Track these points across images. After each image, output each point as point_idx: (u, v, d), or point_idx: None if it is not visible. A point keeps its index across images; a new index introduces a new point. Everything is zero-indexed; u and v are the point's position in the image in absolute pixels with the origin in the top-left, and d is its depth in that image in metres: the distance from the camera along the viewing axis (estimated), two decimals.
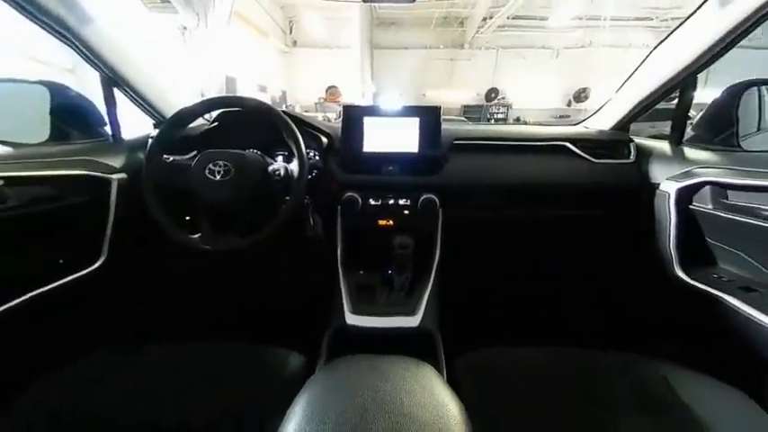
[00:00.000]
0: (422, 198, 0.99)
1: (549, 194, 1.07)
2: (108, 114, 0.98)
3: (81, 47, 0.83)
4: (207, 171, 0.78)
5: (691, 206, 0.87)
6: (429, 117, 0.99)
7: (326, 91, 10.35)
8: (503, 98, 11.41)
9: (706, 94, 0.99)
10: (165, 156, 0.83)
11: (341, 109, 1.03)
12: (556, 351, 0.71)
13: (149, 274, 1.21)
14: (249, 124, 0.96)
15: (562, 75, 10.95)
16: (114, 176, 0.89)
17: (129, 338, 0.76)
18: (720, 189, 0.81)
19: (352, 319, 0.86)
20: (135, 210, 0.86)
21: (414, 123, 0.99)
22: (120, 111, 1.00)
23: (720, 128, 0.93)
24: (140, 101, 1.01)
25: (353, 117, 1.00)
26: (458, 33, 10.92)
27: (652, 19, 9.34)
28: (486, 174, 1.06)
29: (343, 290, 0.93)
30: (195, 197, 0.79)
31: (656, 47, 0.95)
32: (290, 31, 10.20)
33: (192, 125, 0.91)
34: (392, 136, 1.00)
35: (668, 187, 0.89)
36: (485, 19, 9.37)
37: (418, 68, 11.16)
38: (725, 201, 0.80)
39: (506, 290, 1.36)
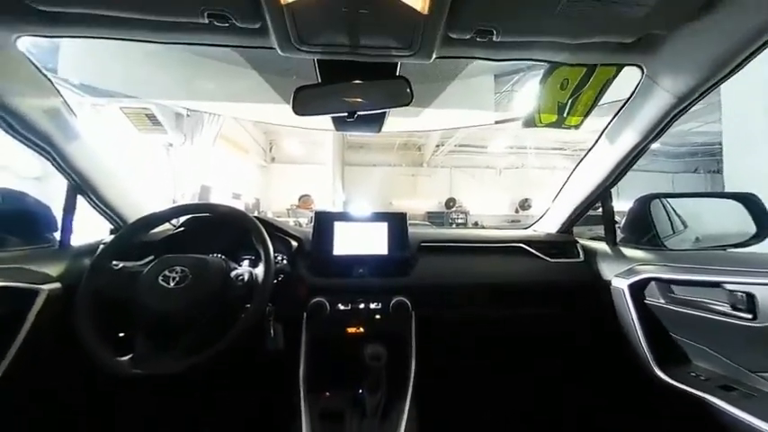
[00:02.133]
0: (393, 300, 0.96)
1: (513, 292, 1.11)
2: (63, 220, 0.93)
3: (58, 159, 0.85)
4: (160, 278, 0.72)
5: (645, 301, 0.92)
6: (396, 222, 1.06)
7: (299, 199, 11.00)
8: (460, 206, 12.79)
9: (622, 204, 1.19)
10: (114, 262, 0.77)
11: (312, 215, 1.08)
12: None
13: (55, 401, 0.94)
14: (217, 229, 0.95)
15: (506, 188, 12.83)
16: (44, 287, 0.78)
17: None
18: (665, 284, 0.89)
19: None
20: (63, 326, 0.73)
21: (382, 227, 1.05)
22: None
23: (643, 231, 1.09)
24: (103, 207, 0.99)
25: (325, 222, 1.04)
26: (417, 155, 12.91)
27: (565, 149, 11.87)
28: (453, 273, 1.08)
29: (303, 420, 0.77)
30: (138, 309, 0.70)
31: (573, 169, 1.18)
32: (270, 150, 11.43)
33: (155, 230, 0.89)
34: (362, 239, 1.04)
35: (620, 284, 0.96)
36: (438, 145, 11.34)
37: (385, 181, 12.54)
38: (672, 295, 0.87)
39: (487, 399, 1.22)
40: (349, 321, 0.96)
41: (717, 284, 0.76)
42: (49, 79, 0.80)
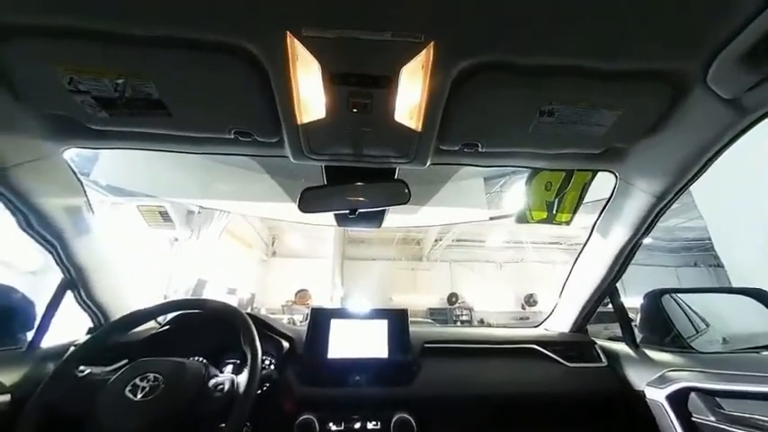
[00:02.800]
0: (395, 419, 0.82)
1: (531, 405, 0.95)
2: (42, 318, 0.88)
3: (62, 253, 0.85)
4: (128, 388, 0.63)
5: (693, 418, 0.78)
6: (397, 319, 1.00)
7: (296, 294, 10.62)
8: (463, 302, 12.24)
9: (632, 300, 1.14)
10: (81, 368, 0.69)
11: (308, 311, 1.03)
12: None
13: None
14: (204, 327, 0.89)
15: (508, 282, 12.55)
16: None
17: None
18: (708, 396, 0.77)
19: None
20: None
21: (382, 325, 0.98)
22: None
23: (662, 330, 1.01)
24: (89, 303, 0.94)
25: (321, 319, 0.98)
26: (416, 249, 13.10)
27: (561, 243, 12.13)
28: (461, 382, 0.96)
29: None
30: (92, 428, 0.59)
31: (573, 265, 1.17)
32: (272, 244, 11.67)
33: (138, 329, 0.82)
34: (360, 339, 0.95)
35: (656, 395, 0.83)
36: (436, 240, 11.64)
37: (384, 276, 12.37)
38: (722, 411, 0.74)
39: None
40: None
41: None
42: (81, 182, 0.87)
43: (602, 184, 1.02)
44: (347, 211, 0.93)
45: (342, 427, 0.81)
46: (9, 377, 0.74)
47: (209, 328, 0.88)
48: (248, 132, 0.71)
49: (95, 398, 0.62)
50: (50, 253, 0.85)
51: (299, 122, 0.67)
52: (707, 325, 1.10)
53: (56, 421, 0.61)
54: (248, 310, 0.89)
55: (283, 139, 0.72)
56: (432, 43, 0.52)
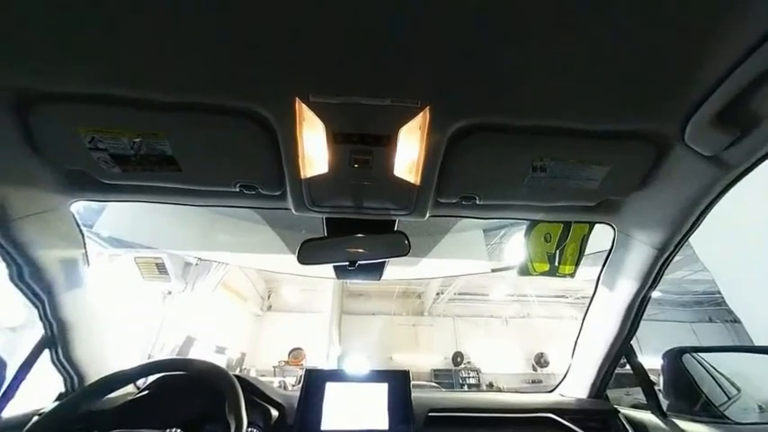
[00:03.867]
0: None
1: None
2: (11, 381, 0.80)
3: (48, 308, 0.81)
4: None
5: None
6: (398, 382, 0.91)
7: (290, 353, 9.90)
8: (469, 361, 11.37)
9: (650, 359, 1.06)
10: None
11: (302, 373, 0.94)
12: None
13: None
14: (187, 392, 0.81)
15: (515, 339, 11.80)
16: None
17: None
18: None
19: None
20: None
21: (382, 390, 0.89)
22: None
23: (689, 395, 0.92)
24: (65, 364, 0.86)
25: (315, 383, 0.90)
26: (417, 303, 12.61)
27: (567, 297, 11.71)
28: None
29: None
30: None
31: (582, 321, 1.11)
32: (268, 297, 11.25)
33: (114, 394, 0.75)
34: (358, 407, 0.86)
35: None
36: (438, 293, 11.26)
37: (384, 332, 11.69)
38: None
39: None
40: None
41: None
42: (83, 234, 0.87)
43: (604, 235, 1.02)
44: (347, 264, 0.91)
45: None
46: None
47: (191, 392, 0.80)
48: (253, 186, 0.74)
49: None
50: (36, 307, 0.81)
51: (302, 177, 0.70)
52: (738, 390, 1.00)
53: None
54: (237, 372, 0.82)
55: (286, 192, 0.75)
56: (428, 107, 0.57)
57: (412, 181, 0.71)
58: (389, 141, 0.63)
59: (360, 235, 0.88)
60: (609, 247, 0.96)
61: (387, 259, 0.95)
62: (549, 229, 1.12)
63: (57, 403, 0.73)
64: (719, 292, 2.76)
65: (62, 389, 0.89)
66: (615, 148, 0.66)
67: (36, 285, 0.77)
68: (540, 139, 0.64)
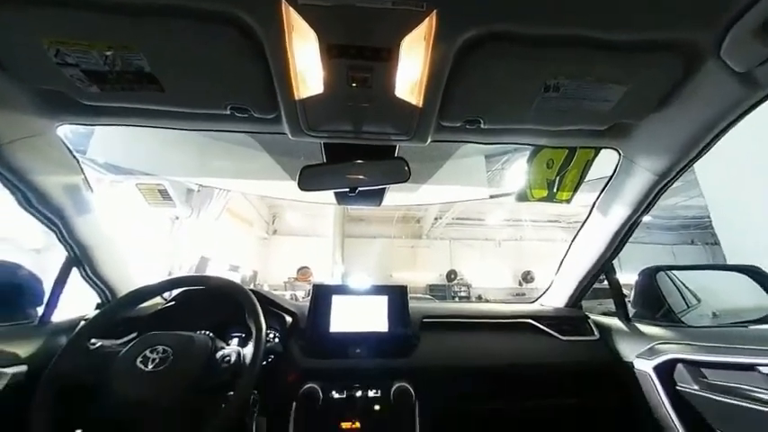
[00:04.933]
0: (394, 387, 0.86)
1: (525, 375, 0.99)
2: (51, 294, 0.90)
3: (65, 232, 0.86)
4: (139, 359, 0.65)
5: (677, 387, 0.82)
6: (397, 295, 1.02)
7: (298, 271, 10.82)
8: (462, 278, 12.49)
9: (627, 276, 1.16)
10: (93, 341, 0.71)
11: (310, 287, 1.05)
12: None
13: None
14: (209, 303, 0.91)
15: (507, 260, 12.73)
16: (8, 370, 0.71)
17: None
18: (693, 367, 0.80)
19: None
20: (19, 411, 0.64)
21: (382, 301, 1.00)
22: None
23: (655, 306, 1.04)
24: (95, 279, 0.97)
25: (323, 295, 1.00)
26: (416, 227, 13.18)
27: (560, 222, 12.18)
28: (459, 353, 0.99)
29: None
30: (107, 396, 0.62)
31: (571, 242, 1.19)
32: (273, 222, 11.72)
33: (145, 305, 0.85)
34: (361, 314, 0.98)
35: (644, 366, 0.87)
36: (436, 218, 11.67)
37: (385, 253, 12.53)
38: (706, 380, 0.78)
39: None
40: (344, 414, 0.84)
41: (751, 367, 0.69)
42: (77, 160, 0.86)
43: (604, 162, 1.01)
44: (347, 190, 0.92)
45: (344, 395, 0.86)
46: (24, 349, 0.77)
47: (213, 303, 0.91)
48: (245, 108, 0.70)
49: (107, 369, 0.65)
50: (53, 231, 0.86)
51: (296, 98, 0.65)
52: (698, 300, 1.13)
53: (71, 391, 0.64)
54: (251, 287, 0.91)
55: (281, 115, 0.71)
56: (434, 12, 0.50)
57: (414, 102, 0.67)
58: (390, 56, 0.57)
59: (359, 161, 0.87)
60: (610, 174, 0.96)
61: (387, 185, 0.95)
62: (553, 155, 1.10)
63: (98, 311, 0.84)
64: (708, 217, 2.88)
65: (98, 300, 1.01)
66: (638, 63, 0.60)
67: (46, 210, 0.80)
68: (556, 52, 0.58)
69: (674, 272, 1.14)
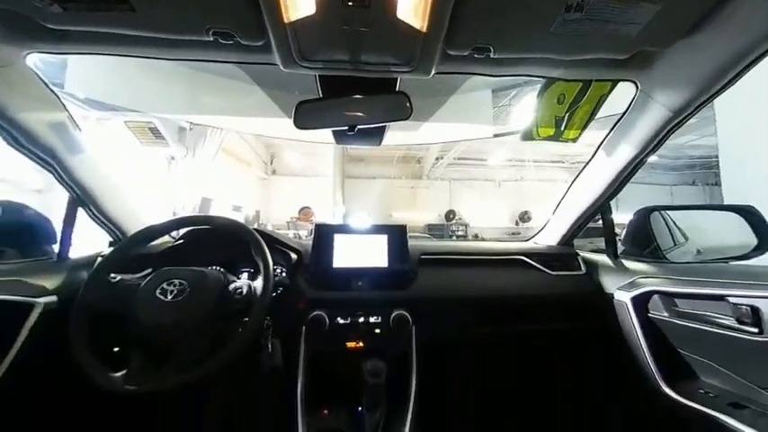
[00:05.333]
0: (393, 314, 0.95)
1: (514, 306, 1.09)
2: (62, 232, 0.93)
3: (61, 172, 0.86)
4: (158, 291, 0.71)
5: (649, 314, 0.91)
6: (396, 234, 1.06)
7: (300, 211, 11.02)
8: (460, 218, 12.79)
9: (622, 216, 1.19)
10: (112, 275, 0.76)
11: (313, 227, 1.08)
12: None
13: (56, 422, 0.91)
14: (216, 241, 0.95)
15: (505, 200, 12.86)
16: (40, 300, 0.77)
17: None
18: (668, 297, 0.88)
19: None
20: (58, 340, 0.72)
21: (382, 240, 1.04)
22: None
23: (644, 244, 1.08)
24: (103, 219, 0.99)
25: (325, 234, 1.04)
26: (416, 168, 13.00)
27: (563, 162, 11.98)
28: (453, 286, 1.07)
29: None
30: (135, 323, 0.69)
31: (572, 182, 1.18)
32: (271, 162, 11.53)
33: (154, 243, 0.88)
34: (362, 252, 1.03)
35: (622, 297, 0.95)
36: (437, 158, 11.45)
37: (385, 194, 12.60)
38: (677, 309, 0.86)
39: (489, 418, 1.18)
40: (348, 335, 0.95)
41: (720, 297, 0.75)
42: (56, 94, 0.81)
43: (614, 100, 0.95)
44: (345, 128, 0.89)
45: (348, 321, 0.95)
46: (50, 282, 0.83)
47: (220, 242, 0.94)
48: (229, 33, 0.63)
49: (131, 299, 0.71)
50: (50, 171, 0.85)
51: (286, 20, 0.58)
52: (686, 239, 1.18)
53: (102, 319, 0.71)
54: (255, 226, 0.94)
55: (270, 41, 0.64)
56: None
57: (417, 26, 0.60)
58: None
59: (358, 96, 0.82)
60: (621, 111, 0.91)
61: (387, 123, 0.91)
62: (565, 89, 1.02)
63: (112, 248, 0.88)
64: (715, 157, 2.83)
65: (110, 239, 1.05)
66: None
67: (36, 149, 0.79)
68: None
69: (668, 212, 1.17)
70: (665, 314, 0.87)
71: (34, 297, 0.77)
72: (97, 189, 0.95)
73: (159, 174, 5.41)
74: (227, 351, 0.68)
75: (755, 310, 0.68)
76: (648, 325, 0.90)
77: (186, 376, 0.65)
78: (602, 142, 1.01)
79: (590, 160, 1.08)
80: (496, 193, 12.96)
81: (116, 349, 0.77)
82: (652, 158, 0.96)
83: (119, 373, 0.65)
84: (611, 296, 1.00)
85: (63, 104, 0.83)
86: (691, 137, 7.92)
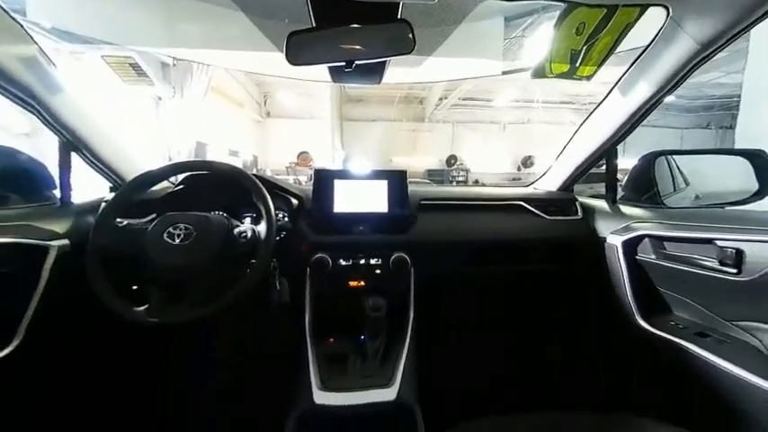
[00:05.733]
0: (393, 257, 0.99)
1: (510, 249, 1.13)
2: (60, 177, 0.93)
3: (45, 114, 0.82)
4: (165, 235, 0.73)
5: (637, 257, 0.95)
6: (396, 179, 1.05)
7: (298, 156, 10.79)
8: (461, 164, 12.58)
9: (626, 161, 1.17)
10: (118, 220, 0.78)
11: (312, 172, 1.07)
12: (538, 418, 0.67)
13: (80, 359, 1.02)
14: (216, 187, 0.95)
15: (509, 145, 12.49)
16: (54, 243, 0.80)
17: None
18: (658, 241, 0.91)
19: (320, 397, 0.77)
20: (74, 282, 0.77)
21: (382, 185, 1.04)
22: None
23: (644, 189, 1.08)
24: (99, 164, 0.98)
25: (325, 180, 1.03)
26: (418, 109, 12.35)
27: (574, 103, 11.32)
28: (452, 231, 1.10)
29: (311, 362, 0.84)
30: (147, 264, 0.72)
31: (581, 124, 1.13)
32: (265, 104, 10.92)
33: (154, 188, 0.89)
34: (362, 197, 1.04)
35: (614, 240, 0.98)
36: (441, 99, 10.80)
37: (385, 138, 12.18)
38: (664, 251, 0.90)
39: (480, 350, 1.32)
40: (350, 276, 1.00)
41: (708, 241, 0.78)
42: (19, 23, 0.73)
43: (636, 34, 0.86)
44: (343, 64, 0.82)
45: (350, 263, 1.00)
46: (59, 227, 0.85)
47: (220, 187, 0.94)
48: None
49: (140, 243, 0.74)
50: (32, 113, 0.81)
51: None
52: (687, 184, 1.17)
53: (112, 261, 0.74)
54: (254, 172, 0.93)
55: None
56: None
57: None
58: None
59: (355, 26, 0.74)
60: (644, 45, 0.83)
61: (388, 58, 0.84)
62: (587, 17, 0.92)
63: (114, 193, 0.88)
64: (738, 96, 2.66)
65: (110, 185, 1.05)
66: None
67: (10, 86, 0.74)
68: None
69: (674, 156, 1.14)
70: (653, 256, 0.91)
71: (47, 240, 0.80)
72: (87, 132, 0.91)
73: (147, 116, 5.16)
74: (237, 288, 0.73)
75: (739, 253, 0.71)
76: (634, 266, 0.95)
77: (203, 310, 0.71)
78: (620, 79, 0.94)
79: (603, 99, 1.02)
80: (500, 137, 12.53)
81: (134, 287, 0.82)
82: (668, 99, 0.90)
83: (141, 308, 0.71)
84: (603, 240, 1.04)
85: (29, 35, 0.76)
86: (716, 74, 7.36)
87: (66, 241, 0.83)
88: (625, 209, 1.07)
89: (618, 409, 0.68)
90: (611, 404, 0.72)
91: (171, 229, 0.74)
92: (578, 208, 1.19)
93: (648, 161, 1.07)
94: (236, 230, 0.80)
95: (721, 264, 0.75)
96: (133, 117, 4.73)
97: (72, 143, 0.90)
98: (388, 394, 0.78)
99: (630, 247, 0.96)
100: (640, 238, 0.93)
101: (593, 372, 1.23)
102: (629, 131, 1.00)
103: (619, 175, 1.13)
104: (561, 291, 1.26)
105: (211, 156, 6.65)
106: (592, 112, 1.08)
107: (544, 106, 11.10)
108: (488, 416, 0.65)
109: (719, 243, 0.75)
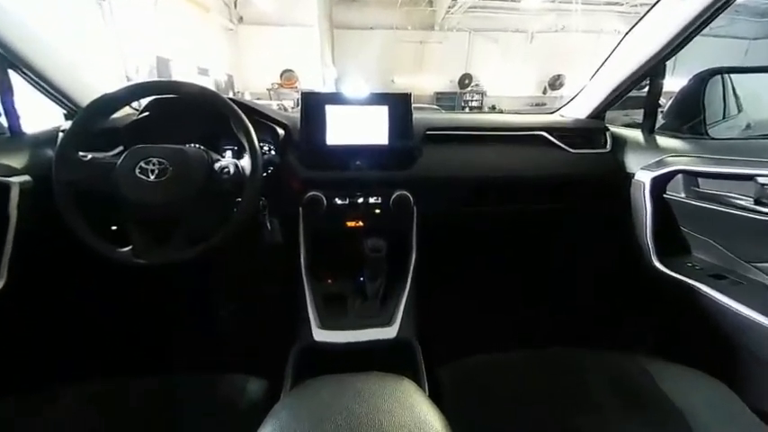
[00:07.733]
0: (394, 195, 1.00)
1: (526, 187, 1.13)
2: (3, 103, 0.88)
3: None
4: (138, 170, 0.72)
5: (665, 195, 0.96)
6: (399, 105, 1.00)
7: (281, 75, 10.08)
8: (476, 85, 11.83)
9: (674, 82, 1.09)
10: (81, 153, 0.77)
11: (299, 96, 1.01)
12: (539, 354, 0.75)
13: (66, 299, 1.10)
14: (188, 114, 0.90)
15: (536, 61, 11.57)
16: (14, 179, 0.80)
17: (45, 379, 0.69)
18: (692, 177, 0.90)
19: (320, 335, 0.85)
20: (44, 220, 0.78)
21: (382, 112, 0.99)
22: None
23: (689, 116, 1.03)
24: (45, 85, 0.92)
25: (314, 106, 0.98)
26: (427, 13, 11.13)
27: (622, 4, 10.15)
28: (461, 166, 1.09)
29: (309, 302, 0.91)
30: (124, 203, 0.73)
31: (626, 34, 1.03)
32: (235, 6, 9.80)
33: (116, 115, 0.85)
34: (359, 127, 1.00)
35: (643, 177, 0.97)
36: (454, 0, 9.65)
37: (385, 52, 11.22)
38: (696, 189, 0.90)
39: (486, 290, 1.41)
40: (348, 215, 1.02)
41: (749, 177, 0.77)
42: None
43: None
44: None
45: (346, 202, 1.01)
46: (16, 161, 0.84)
47: (193, 115, 0.90)
48: None
49: (110, 179, 0.73)
50: None
51: None
52: (739, 110, 1.11)
53: (83, 198, 0.75)
54: (230, 95, 0.88)
55: None
56: None
57: None
58: None
59: None
60: None
61: None
62: None
63: (70, 122, 0.85)
64: None
65: (64, 111, 1.01)
66: None
67: None
68: None
69: (734, 75, 1.06)
70: (682, 195, 0.92)
71: (5, 177, 0.79)
72: (27, 45, 0.84)
73: (92, 26, 4.67)
74: (224, 231, 0.75)
75: None
76: (660, 204, 0.96)
77: (190, 252, 0.74)
78: None
79: (656, 3, 0.91)
80: (526, 51, 11.54)
81: (114, 228, 0.85)
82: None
83: (126, 249, 0.74)
84: (631, 176, 1.03)
85: None
86: None
87: (27, 177, 0.83)
88: (661, 140, 1.03)
89: (625, 348, 0.76)
90: (621, 344, 0.80)
91: (143, 164, 0.73)
92: (607, 139, 1.15)
93: (701, 81, 1.00)
94: (217, 165, 0.79)
95: (756, 203, 0.76)
96: (76, 26, 4.28)
97: (6, 59, 0.83)
98: (388, 332, 0.86)
99: (660, 183, 0.95)
100: (672, 174, 0.92)
101: (601, 312, 1.33)
102: (686, 41, 0.91)
103: (662, 100, 1.07)
104: (577, 231, 1.29)
105: (176, 75, 6.22)
106: (641, 19, 0.97)
107: (584, 8, 9.95)
108: (487, 350, 0.73)
109: (761, 180, 0.75)
